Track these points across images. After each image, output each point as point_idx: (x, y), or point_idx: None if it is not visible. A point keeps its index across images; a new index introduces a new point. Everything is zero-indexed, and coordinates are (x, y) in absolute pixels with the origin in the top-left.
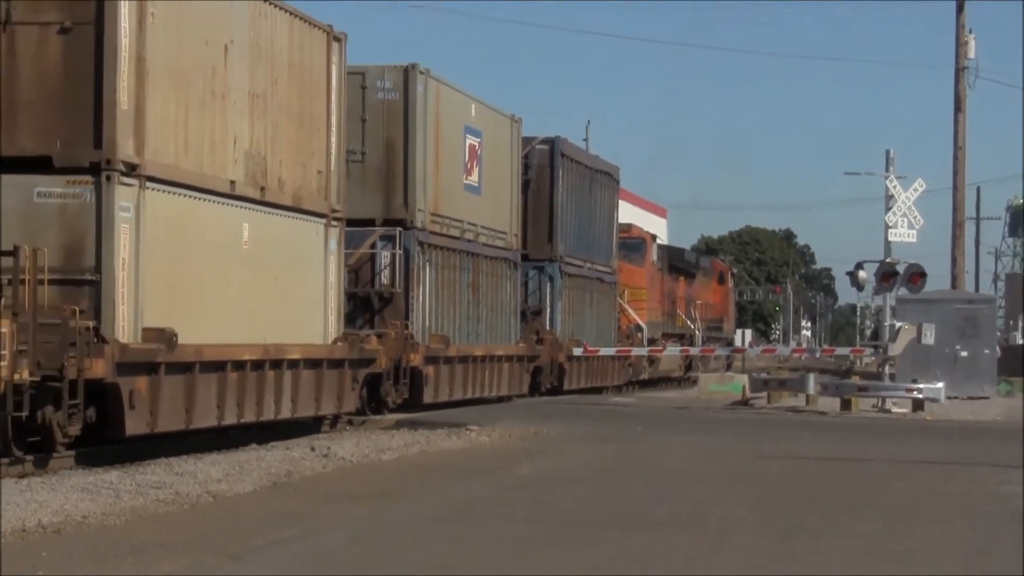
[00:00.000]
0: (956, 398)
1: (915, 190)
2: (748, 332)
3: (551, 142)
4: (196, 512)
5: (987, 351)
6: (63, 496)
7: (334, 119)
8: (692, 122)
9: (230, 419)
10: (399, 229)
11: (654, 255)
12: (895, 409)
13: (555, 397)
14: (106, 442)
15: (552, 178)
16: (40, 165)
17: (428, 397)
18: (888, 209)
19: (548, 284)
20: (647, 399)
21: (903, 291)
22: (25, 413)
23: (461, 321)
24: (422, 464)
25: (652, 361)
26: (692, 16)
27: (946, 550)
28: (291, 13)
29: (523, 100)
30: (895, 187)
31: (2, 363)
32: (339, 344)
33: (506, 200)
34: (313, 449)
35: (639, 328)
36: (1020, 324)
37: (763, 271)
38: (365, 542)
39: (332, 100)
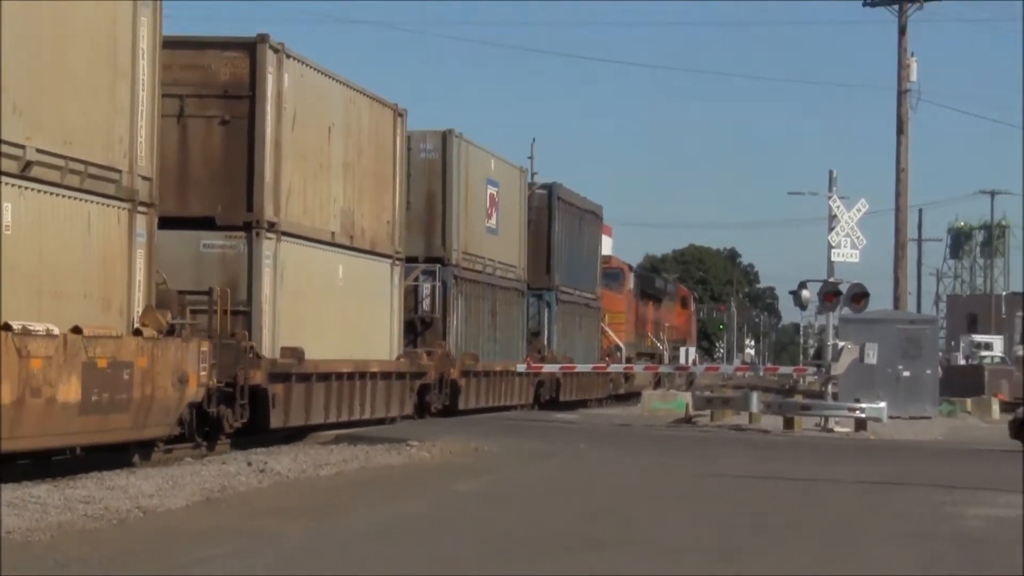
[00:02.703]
0: (898, 418)
1: (858, 210)
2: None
3: (549, 187)
4: (125, 528)
5: (929, 371)
6: None
7: (398, 178)
8: (635, 140)
9: (332, 418)
10: (438, 265)
11: (631, 283)
12: (838, 428)
13: (550, 410)
14: (253, 433)
15: (550, 218)
16: (205, 224)
17: (462, 404)
18: (831, 229)
19: (546, 310)
20: (591, 416)
21: (846, 311)
22: (213, 410)
23: (484, 341)
24: (360, 480)
25: (628, 378)
26: (635, 35)
27: (887, 571)
28: (371, 98)
29: (471, 113)
30: (838, 207)
31: (203, 374)
32: (402, 360)
33: (515, 238)
34: (250, 464)
35: (618, 348)
36: (961, 345)
37: (707, 290)
38: (296, 561)
39: (397, 163)
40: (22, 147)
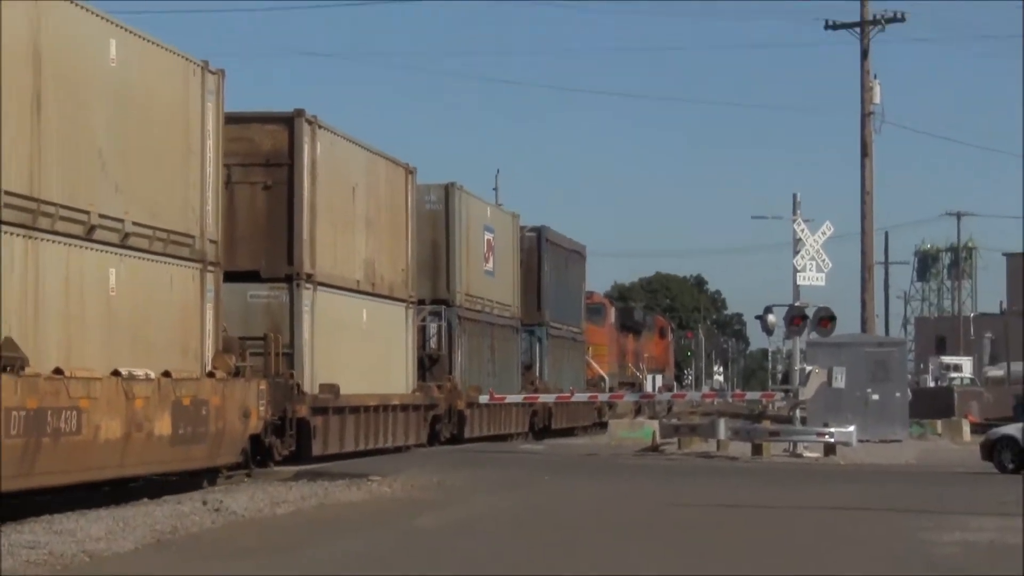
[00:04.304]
0: (868, 441)
1: (823, 233)
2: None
3: (538, 231)
4: (67, 574)
5: (898, 394)
6: None
7: (410, 230)
8: (598, 169)
9: (360, 446)
10: (443, 307)
11: (612, 317)
12: (807, 453)
13: (544, 438)
14: (297, 460)
15: (539, 259)
16: (251, 277)
17: (468, 433)
18: (796, 253)
19: (538, 344)
20: (557, 446)
21: (814, 335)
22: (267, 440)
23: (484, 375)
24: (317, 518)
25: (611, 406)
26: (594, 62)
27: None
28: (387, 159)
29: (429, 145)
30: (802, 230)
31: (262, 409)
32: (417, 393)
33: (509, 279)
34: (205, 503)
35: (602, 378)
36: (931, 367)
37: (674, 317)
38: None
39: (409, 217)
40: (122, 220)
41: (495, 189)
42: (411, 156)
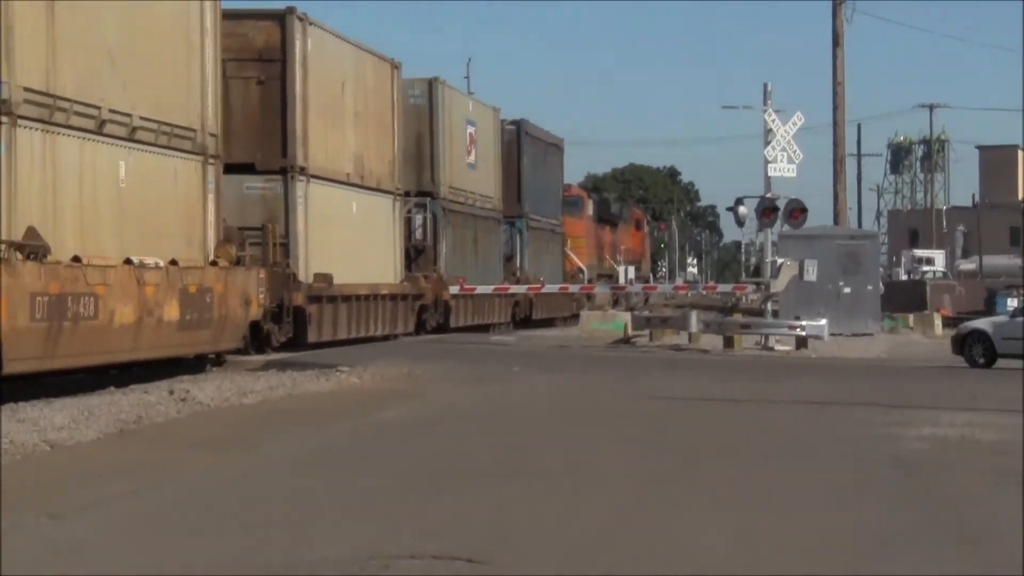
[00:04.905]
0: (840, 335)
1: (793, 124)
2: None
3: (517, 124)
4: (28, 464)
5: (870, 287)
6: None
7: (396, 124)
8: (572, 58)
9: (352, 334)
10: (428, 199)
11: (589, 209)
12: (778, 347)
13: (525, 328)
14: (294, 347)
15: (519, 152)
16: (247, 169)
17: (454, 323)
18: (767, 144)
19: (518, 236)
20: (529, 337)
21: (786, 227)
22: (266, 327)
23: (468, 267)
24: (284, 408)
25: (589, 297)
26: None
27: (820, 497)
28: (373, 54)
29: (404, 37)
30: (773, 121)
31: (261, 297)
32: (404, 283)
33: (491, 172)
34: (171, 392)
35: (581, 270)
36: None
37: (648, 209)
38: (203, 496)
39: (395, 111)
40: (130, 115)
41: (466, 78)
42: (386, 48)
